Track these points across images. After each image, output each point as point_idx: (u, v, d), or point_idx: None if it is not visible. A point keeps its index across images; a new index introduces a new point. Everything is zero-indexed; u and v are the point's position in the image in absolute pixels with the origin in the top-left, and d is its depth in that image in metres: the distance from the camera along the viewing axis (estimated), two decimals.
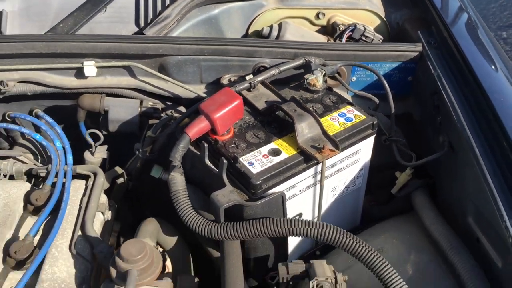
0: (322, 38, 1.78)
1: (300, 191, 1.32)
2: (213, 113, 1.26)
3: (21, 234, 1.30)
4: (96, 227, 1.34)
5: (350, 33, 1.71)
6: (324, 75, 1.46)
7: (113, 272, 1.12)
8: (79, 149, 1.60)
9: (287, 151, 1.27)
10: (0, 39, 1.54)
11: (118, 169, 1.57)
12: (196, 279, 1.34)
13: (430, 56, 1.51)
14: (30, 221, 1.34)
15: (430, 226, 1.31)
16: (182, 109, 1.61)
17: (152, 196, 1.64)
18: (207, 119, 1.27)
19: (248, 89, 1.45)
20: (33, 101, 1.67)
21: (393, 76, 1.62)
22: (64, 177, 1.42)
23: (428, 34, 1.62)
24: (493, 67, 1.47)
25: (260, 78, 1.46)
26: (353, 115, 1.38)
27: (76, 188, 1.42)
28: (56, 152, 1.48)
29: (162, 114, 1.61)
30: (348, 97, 1.61)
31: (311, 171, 1.30)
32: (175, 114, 1.54)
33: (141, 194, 1.68)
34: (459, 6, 1.77)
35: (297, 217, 1.36)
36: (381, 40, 1.75)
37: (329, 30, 1.81)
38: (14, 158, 1.56)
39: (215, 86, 1.60)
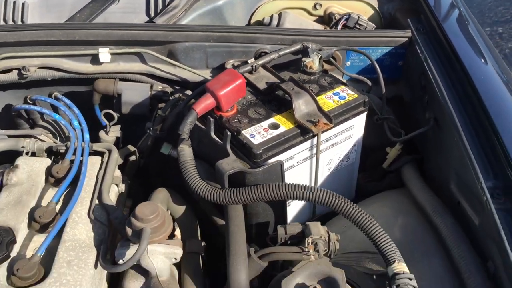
0: (319, 27, 1.89)
1: (297, 162, 1.43)
2: (218, 90, 1.37)
3: (44, 202, 1.41)
4: (111, 197, 1.45)
5: (345, 21, 1.81)
6: (320, 59, 1.57)
7: (129, 231, 1.23)
8: (93, 130, 1.71)
9: (285, 125, 1.38)
10: (23, 28, 1.65)
11: (131, 147, 1.69)
12: (203, 243, 1.45)
13: (418, 41, 1.62)
14: (51, 192, 1.45)
15: (416, 193, 1.42)
16: (189, 92, 1.72)
17: (162, 172, 1.75)
18: (213, 96, 1.38)
19: (250, 72, 1.55)
20: (51, 87, 1.78)
21: (385, 61, 1.72)
22: (82, 153, 1.54)
23: (417, 21, 1.72)
24: (475, 49, 1.58)
25: (261, 61, 1.56)
26: (346, 94, 1.49)
27: (93, 163, 1.53)
28: (74, 131, 1.59)
29: (170, 98, 1.72)
30: (343, 80, 1.71)
31: (307, 143, 1.40)
32: (183, 96, 1.65)
33: (152, 171, 1.79)
34: None
35: None
36: (373, 28, 1.85)
37: (326, 19, 1.92)
38: (35, 137, 1.68)
39: (219, 71, 1.71)
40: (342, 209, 1.23)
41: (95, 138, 1.69)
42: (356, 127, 1.51)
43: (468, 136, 1.28)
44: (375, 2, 1.94)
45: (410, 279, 1.09)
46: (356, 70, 1.74)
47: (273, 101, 1.47)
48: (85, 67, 1.72)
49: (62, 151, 1.57)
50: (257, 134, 1.35)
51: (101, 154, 1.57)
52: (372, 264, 1.28)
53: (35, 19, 1.86)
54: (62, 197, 1.43)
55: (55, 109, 1.70)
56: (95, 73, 1.72)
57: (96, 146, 1.58)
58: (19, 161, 1.50)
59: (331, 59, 1.65)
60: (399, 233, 1.31)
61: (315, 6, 1.92)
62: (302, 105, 1.40)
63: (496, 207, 1.11)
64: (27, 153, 1.59)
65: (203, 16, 1.88)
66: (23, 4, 1.86)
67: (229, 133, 1.33)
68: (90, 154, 1.55)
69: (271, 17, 1.87)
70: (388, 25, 1.93)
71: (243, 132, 1.35)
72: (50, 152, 1.60)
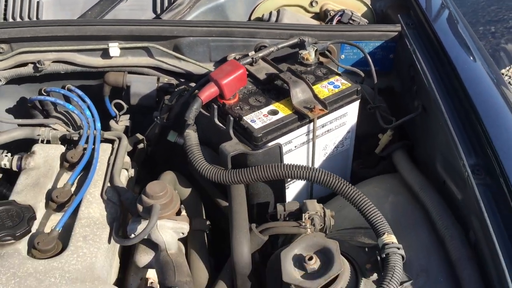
0: (315, 23, 1.97)
1: (295, 147, 1.52)
2: (221, 79, 1.45)
3: (60, 185, 1.49)
4: (122, 180, 1.53)
5: (339, 17, 1.90)
6: (316, 51, 1.66)
7: (140, 208, 1.32)
8: (104, 121, 1.80)
9: (283, 112, 1.47)
10: (38, 24, 1.74)
11: (139, 135, 1.78)
12: (208, 222, 1.54)
13: (408, 35, 1.71)
14: (66, 175, 1.53)
15: (405, 175, 1.50)
16: (194, 84, 1.80)
17: (168, 160, 1.84)
18: (216, 85, 1.46)
19: (251, 64, 1.64)
20: (64, 81, 1.87)
21: (377, 54, 1.81)
22: (94, 141, 1.62)
23: (407, 17, 1.81)
24: (460, 42, 1.67)
25: (261, 54, 1.65)
26: (340, 83, 1.57)
27: (104, 149, 1.61)
28: (86, 120, 1.68)
29: (176, 89, 1.81)
30: (337, 71, 1.80)
31: (304, 129, 1.49)
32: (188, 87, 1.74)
33: (159, 158, 1.88)
34: None
35: None
36: (366, 24, 1.94)
37: (322, 16, 2.01)
38: (49, 126, 1.76)
39: (222, 64, 1.79)
40: (336, 187, 1.30)
41: (105, 128, 1.78)
42: (350, 114, 1.60)
43: (452, 120, 1.37)
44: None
45: (399, 248, 1.18)
46: (350, 62, 1.83)
47: (272, 90, 1.56)
48: (96, 61, 1.81)
49: (75, 138, 1.65)
50: (257, 119, 1.44)
51: (111, 141, 1.65)
52: (364, 238, 1.36)
53: (49, 16, 1.96)
54: (76, 180, 1.51)
55: (67, 100, 1.78)
56: (105, 66, 1.81)
57: (107, 134, 1.67)
58: (36, 147, 1.59)
59: (327, 52, 1.73)
60: (389, 210, 1.39)
61: (311, 3, 2.01)
62: (299, 93, 1.48)
63: (477, 182, 1.20)
64: (42, 141, 1.68)
65: (206, 13, 1.97)
66: (38, 2, 1.96)
67: (231, 118, 1.42)
68: (101, 141, 1.63)
69: (270, 13, 1.96)
70: (380, 22, 2.02)
71: (244, 117, 1.44)
72: (64, 140, 1.69)
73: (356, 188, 1.30)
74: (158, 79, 1.81)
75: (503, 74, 4.52)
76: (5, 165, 1.55)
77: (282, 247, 1.32)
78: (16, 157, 1.55)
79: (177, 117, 1.68)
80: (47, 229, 1.37)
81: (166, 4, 1.98)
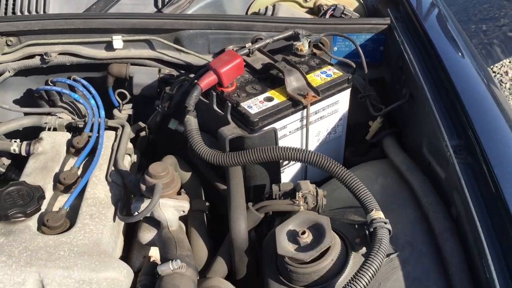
0: (309, 17, 2.04)
1: (290, 132, 1.59)
2: (220, 68, 1.52)
3: (67, 168, 1.56)
4: (125, 164, 1.61)
5: (332, 11, 1.97)
6: (310, 43, 1.73)
7: (143, 187, 1.39)
8: (107, 111, 1.86)
9: (278, 98, 1.54)
10: (45, 17, 1.82)
11: (141, 124, 1.84)
12: (207, 203, 1.61)
13: (397, 28, 1.78)
14: (72, 160, 1.59)
15: (394, 158, 1.57)
16: (193, 76, 1.87)
17: (169, 148, 1.90)
18: (215, 73, 1.54)
19: (248, 55, 1.71)
20: (69, 73, 1.93)
21: (368, 46, 1.88)
22: (98, 128, 1.69)
23: (396, 10, 1.88)
24: (446, 33, 1.74)
25: (257, 45, 1.72)
26: (332, 72, 1.64)
27: (108, 136, 1.67)
28: (91, 108, 1.75)
29: (176, 80, 1.88)
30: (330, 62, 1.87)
31: (298, 115, 1.56)
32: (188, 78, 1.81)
33: (160, 147, 1.94)
34: None
35: None
36: (358, 18, 2.01)
37: (315, 11, 2.08)
38: (55, 115, 1.83)
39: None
40: (328, 167, 1.37)
41: (109, 117, 1.84)
42: (342, 102, 1.67)
43: (437, 106, 1.44)
44: None
45: (386, 223, 1.24)
46: (342, 54, 1.90)
47: (268, 79, 1.63)
48: (100, 53, 1.88)
49: (80, 126, 1.72)
50: (254, 105, 1.51)
51: (115, 129, 1.71)
52: (354, 216, 1.43)
53: (56, 10, 2.03)
54: (82, 164, 1.58)
55: (73, 90, 1.85)
56: (109, 58, 1.88)
57: (111, 122, 1.73)
58: (43, 134, 1.66)
59: (320, 44, 1.81)
60: (378, 190, 1.46)
61: None
62: (293, 81, 1.55)
63: (458, 161, 1.27)
64: (49, 129, 1.74)
65: (205, 8, 2.04)
66: None
67: (229, 104, 1.49)
68: (106, 129, 1.69)
69: (266, 8, 2.03)
70: (371, 16, 2.09)
71: (241, 104, 1.51)
72: (70, 128, 1.75)
73: (346, 169, 1.37)
74: (159, 71, 1.88)
75: (494, 72, 4.61)
76: (14, 150, 1.61)
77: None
78: (25, 143, 1.61)
79: (178, 105, 1.75)
80: (55, 209, 1.43)
81: None
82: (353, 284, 1.11)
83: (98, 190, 1.48)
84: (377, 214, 1.27)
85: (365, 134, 1.87)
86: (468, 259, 1.18)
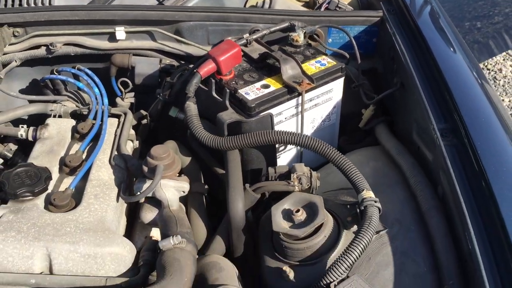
0: (305, 10, 2.11)
1: (285, 118, 1.65)
2: (218, 56, 1.58)
3: (71, 152, 1.61)
4: (128, 149, 1.67)
5: (327, 5, 2.03)
6: (305, 33, 1.79)
7: (145, 169, 1.44)
8: (110, 99, 1.92)
9: (275, 86, 1.60)
10: (51, 9, 1.87)
11: (143, 112, 1.90)
12: (206, 186, 1.67)
13: (388, 20, 1.84)
14: (77, 145, 1.65)
15: (385, 143, 1.63)
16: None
17: (169, 136, 1.96)
18: (214, 61, 1.59)
19: (245, 45, 1.76)
20: (73, 63, 1.99)
21: (361, 38, 1.94)
22: (102, 115, 1.74)
23: (388, 3, 1.94)
24: (436, 25, 1.80)
25: (254, 36, 1.78)
26: (327, 61, 1.70)
27: (111, 123, 1.73)
28: (95, 96, 1.81)
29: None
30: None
31: (293, 102, 1.62)
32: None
33: (161, 135, 2.00)
34: None
35: None
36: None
37: (311, 4, 2.14)
38: (60, 103, 1.88)
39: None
40: (321, 150, 1.43)
41: (112, 105, 1.90)
42: (335, 90, 1.73)
43: (425, 92, 1.50)
44: None
45: (376, 202, 1.30)
46: (336, 46, 1.95)
47: (264, 67, 1.69)
48: (104, 44, 1.94)
49: (85, 113, 1.77)
50: (251, 92, 1.57)
51: (118, 116, 1.77)
52: (346, 197, 1.49)
53: (61, 2, 2.10)
54: (87, 149, 1.63)
55: (77, 80, 1.91)
56: (112, 49, 1.94)
57: (114, 110, 1.79)
58: (49, 121, 1.71)
59: (315, 36, 1.87)
60: (369, 173, 1.51)
61: None
62: (288, 69, 1.61)
63: (445, 143, 1.33)
64: (54, 116, 1.80)
65: (205, 0, 2.10)
66: None
67: (228, 90, 1.55)
68: (109, 116, 1.75)
69: (263, 1, 2.09)
70: (364, 10, 2.15)
71: (239, 91, 1.57)
72: (74, 115, 1.81)
73: (339, 152, 1.43)
74: (160, 61, 1.94)
75: (488, 70, 4.67)
76: (21, 135, 1.67)
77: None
78: (31, 128, 1.67)
79: (178, 94, 1.81)
80: (61, 189, 1.48)
81: None
82: (344, 257, 1.17)
83: (102, 173, 1.53)
84: (368, 194, 1.33)
85: (359, 123, 1.93)
86: (453, 234, 1.24)
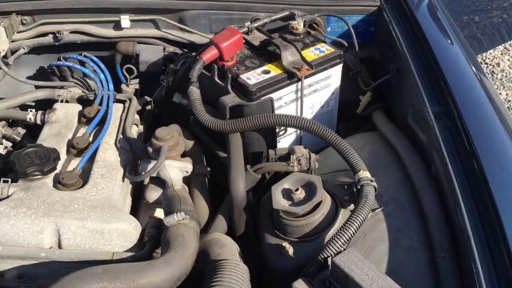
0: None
1: (285, 103, 1.69)
2: (221, 43, 1.63)
3: (79, 135, 1.66)
4: (132, 133, 1.71)
5: None
6: (305, 22, 1.83)
7: (150, 149, 1.49)
8: (115, 86, 1.95)
9: (275, 71, 1.64)
10: None
11: (147, 98, 1.94)
12: (208, 168, 1.71)
13: (385, 9, 1.88)
14: (84, 129, 1.70)
15: (381, 127, 1.68)
16: None
17: (172, 121, 2.00)
18: (216, 47, 1.64)
19: (247, 33, 1.81)
20: (79, 51, 2.03)
21: (359, 27, 1.98)
22: (107, 100, 1.78)
23: None
24: (431, 14, 1.84)
25: (256, 24, 1.82)
26: (325, 49, 1.75)
27: (117, 108, 1.77)
28: (100, 82, 1.85)
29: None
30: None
31: (293, 87, 1.66)
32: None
33: (164, 119, 2.04)
34: None
35: None
36: None
37: None
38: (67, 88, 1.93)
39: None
40: (320, 132, 1.47)
41: (117, 91, 1.94)
42: (334, 77, 1.77)
43: (420, 77, 1.55)
44: None
45: (372, 181, 1.35)
46: (335, 35, 2.00)
47: (265, 54, 1.74)
48: (109, 32, 1.98)
49: (91, 98, 1.81)
50: (252, 77, 1.61)
51: (123, 102, 1.82)
52: (344, 178, 1.53)
53: None
54: (93, 132, 1.68)
55: (83, 67, 1.95)
56: (117, 37, 1.98)
57: (119, 96, 1.83)
58: (56, 105, 1.75)
59: (314, 25, 1.91)
60: (366, 155, 1.55)
61: None
62: (288, 56, 1.66)
63: (438, 125, 1.38)
64: (61, 101, 1.84)
65: None
66: None
67: (230, 75, 1.59)
68: (114, 102, 1.79)
69: None
70: None
71: (241, 76, 1.61)
72: (80, 101, 1.84)
73: (337, 135, 1.47)
74: (164, 49, 1.99)
75: (486, 64, 4.70)
76: (30, 119, 1.71)
77: None
78: (39, 112, 1.71)
79: (181, 80, 1.85)
80: (69, 169, 1.53)
81: None
82: (341, 233, 1.22)
83: (108, 154, 1.58)
84: (364, 174, 1.37)
85: (356, 110, 1.97)
86: (445, 211, 1.29)
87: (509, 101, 4.43)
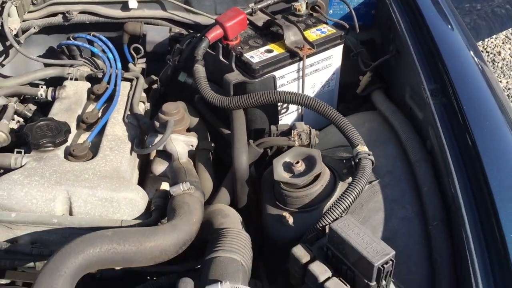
0: None
1: (287, 82, 1.74)
2: (225, 22, 1.67)
3: (88, 111, 1.71)
4: (140, 110, 1.76)
5: None
6: (307, 4, 1.87)
7: (157, 124, 1.54)
8: (123, 65, 1.99)
9: (278, 50, 1.69)
10: None
11: (153, 77, 1.99)
12: (212, 144, 1.76)
13: None
14: (92, 105, 1.75)
15: (379, 106, 1.72)
16: None
17: (178, 99, 2.05)
18: (221, 27, 1.68)
19: (251, 14, 1.85)
20: (88, 31, 2.07)
21: (360, 10, 2.02)
22: (116, 78, 1.83)
23: None
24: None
25: (259, 5, 1.86)
26: (327, 29, 1.79)
27: (124, 86, 1.82)
28: (109, 61, 1.90)
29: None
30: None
31: (295, 66, 1.71)
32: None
33: (170, 98, 2.09)
34: None
35: None
36: None
37: None
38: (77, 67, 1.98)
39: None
40: (320, 108, 1.51)
41: (125, 70, 1.98)
42: (335, 57, 1.82)
43: (418, 56, 1.59)
44: None
45: (369, 155, 1.40)
46: (336, 17, 2.03)
47: (268, 34, 1.78)
48: (117, 12, 2.03)
49: (99, 76, 1.86)
50: (255, 56, 1.66)
51: (130, 80, 1.86)
52: (343, 153, 1.57)
53: None
54: (102, 109, 1.73)
55: (92, 46, 2.00)
56: (125, 17, 2.03)
57: (127, 74, 1.88)
58: (66, 82, 1.81)
59: (316, 7, 1.95)
60: (365, 132, 1.59)
61: None
62: (291, 36, 1.70)
63: (434, 102, 1.42)
64: (71, 79, 1.89)
65: None
66: None
67: (234, 54, 1.64)
68: (122, 80, 1.84)
69: None
70: None
71: (245, 54, 1.66)
72: (89, 79, 1.89)
73: (336, 111, 1.52)
74: (170, 30, 2.03)
75: (488, 52, 4.72)
76: (41, 95, 1.76)
77: None
78: (50, 88, 1.77)
79: (187, 60, 1.89)
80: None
81: None
82: (338, 203, 1.27)
83: (117, 129, 1.63)
84: (362, 148, 1.42)
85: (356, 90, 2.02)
86: (438, 183, 1.34)
87: (509, 89, 4.46)
